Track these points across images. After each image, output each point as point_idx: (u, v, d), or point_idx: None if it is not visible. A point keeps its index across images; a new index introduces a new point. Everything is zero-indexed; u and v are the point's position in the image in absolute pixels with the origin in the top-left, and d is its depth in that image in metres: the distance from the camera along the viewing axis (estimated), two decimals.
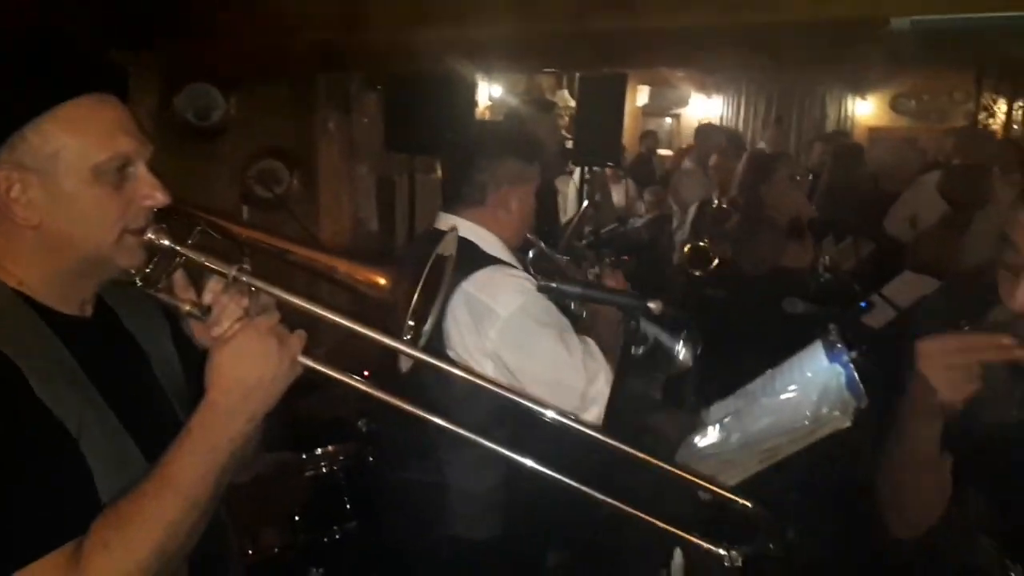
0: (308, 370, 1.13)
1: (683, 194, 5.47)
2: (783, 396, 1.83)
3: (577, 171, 5.28)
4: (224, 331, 1.07)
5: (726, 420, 1.91)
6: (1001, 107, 8.93)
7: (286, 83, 3.74)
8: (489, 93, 10.35)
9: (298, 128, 4.00)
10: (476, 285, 1.67)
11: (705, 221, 4.55)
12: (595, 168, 5.03)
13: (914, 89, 10.60)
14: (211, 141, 3.67)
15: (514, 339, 1.67)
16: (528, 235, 2.03)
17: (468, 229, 1.82)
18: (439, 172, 4.82)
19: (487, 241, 1.84)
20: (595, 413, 1.68)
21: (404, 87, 4.07)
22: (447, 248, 1.37)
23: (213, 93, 3.54)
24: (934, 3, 1.70)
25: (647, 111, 11.59)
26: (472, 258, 1.73)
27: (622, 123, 5.48)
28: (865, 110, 10.85)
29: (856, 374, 1.71)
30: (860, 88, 10.63)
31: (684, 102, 11.48)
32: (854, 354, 1.97)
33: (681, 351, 1.99)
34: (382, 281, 1.28)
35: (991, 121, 8.98)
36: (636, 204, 6.53)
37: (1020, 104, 8.76)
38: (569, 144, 5.35)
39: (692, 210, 4.87)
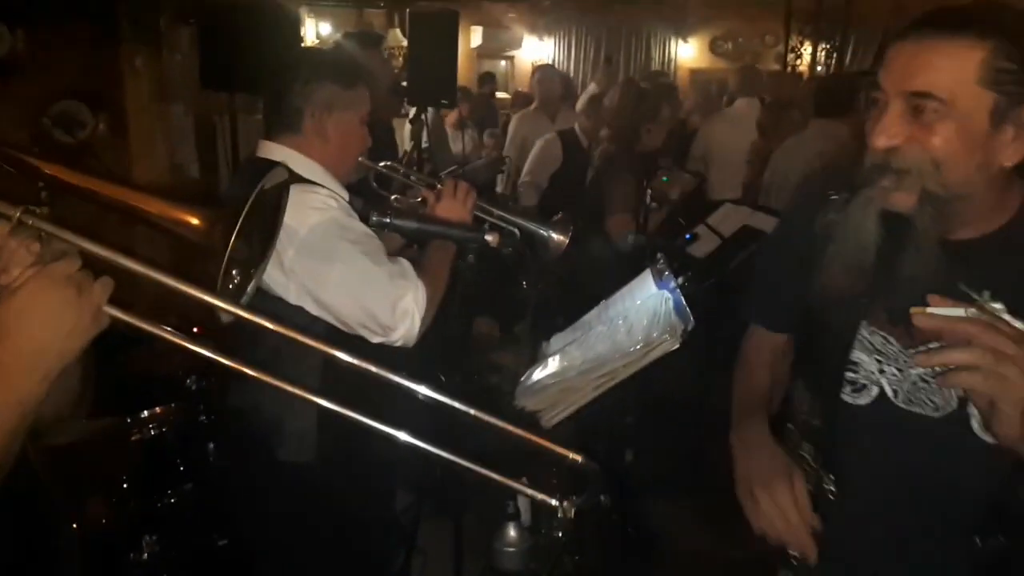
0: (119, 322, 1.03)
1: (521, 135, 5.52)
2: (617, 323, 1.89)
3: (413, 111, 5.16)
4: (11, 281, 0.95)
5: (564, 349, 1.96)
6: (807, 49, 9.62)
7: (85, 16, 3.36)
8: (317, 31, 9.90)
9: (102, 66, 3.63)
10: None
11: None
12: (430, 109, 4.95)
13: (730, 32, 11.18)
14: None
15: (312, 255, 1.62)
16: (366, 162, 1.96)
17: (286, 155, 1.75)
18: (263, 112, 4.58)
19: (306, 167, 1.77)
20: (402, 331, 1.66)
21: (220, 20, 3.78)
22: (271, 182, 1.28)
23: None
24: None
25: (481, 52, 11.51)
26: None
27: (456, 62, 5.40)
28: (687, 52, 11.33)
29: (682, 299, 1.80)
30: (682, 31, 11.08)
31: (517, 44, 11.50)
32: (680, 280, 2.07)
33: (552, 235, 2.04)
34: (195, 221, 1.18)
35: (799, 62, 9.66)
36: (477, 150, 6.51)
37: (823, 46, 9.47)
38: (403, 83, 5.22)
39: (537, 149, 4.92)
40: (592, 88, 7.00)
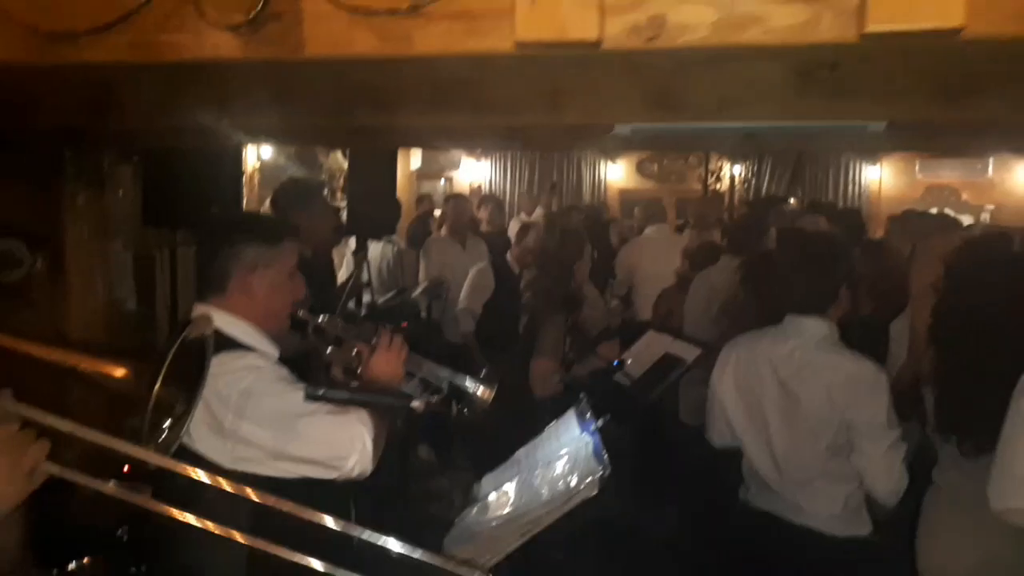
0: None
1: (434, 261, 5.76)
2: (541, 467, 1.99)
3: (354, 242, 5.31)
4: None
5: (491, 496, 2.04)
6: (726, 171, 10.27)
7: (25, 156, 3.44)
8: (258, 154, 10.12)
9: (42, 204, 3.69)
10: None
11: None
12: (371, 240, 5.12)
13: (656, 155, 11.84)
14: None
15: (250, 416, 1.69)
16: (305, 315, 2.04)
17: (216, 317, 1.83)
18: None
19: (234, 326, 1.86)
20: (355, 458, 1.72)
21: (161, 159, 3.92)
22: (195, 332, 1.37)
23: None
24: (649, 113, 1.99)
25: (421, 174, 11.92)
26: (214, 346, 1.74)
27: (395, 193, 5.63)
28: (616, 173, 11.92)
29: (600, 442, 1.92)
30: (610, 153, 11.68)
31: (455, 165, 11.95)
32: (601, 422, 2.20)
33: (478, 390, 2.09)
34: (120, 373, 1.26)
35: (718, 184, 10.28)
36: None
37: (741, 169, 10.13)
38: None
39: (470, 277, 5.10)
40: (523, 217, 7.32)
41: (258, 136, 4.08)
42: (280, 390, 1.68)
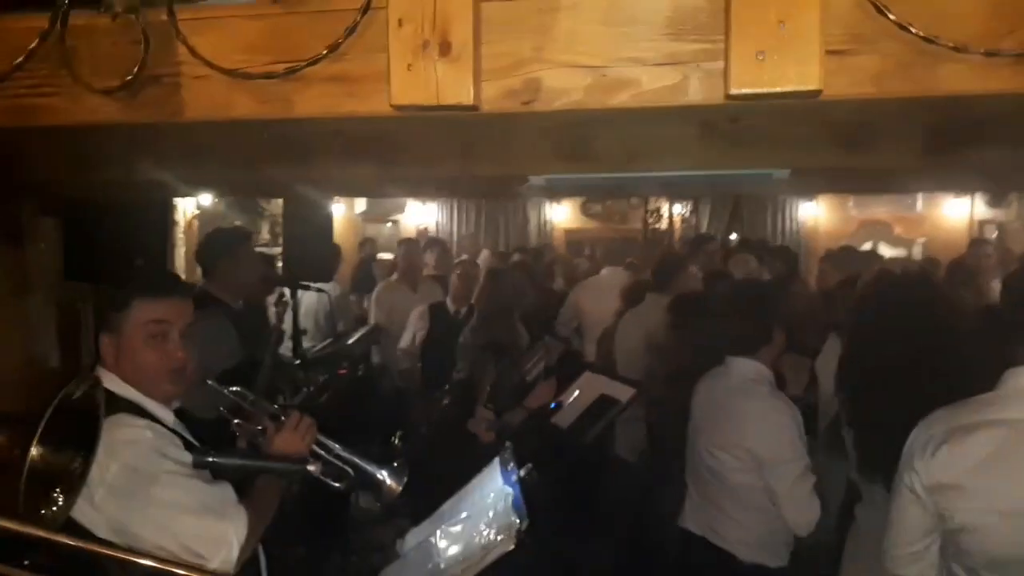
0: None
1: (386, 305, 5.72)
2: (461, 522, 1.96)
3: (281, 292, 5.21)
4: None
5: (411, 554, 2.00)
6: (666, 210, 10.46)
7: None
8: (197, 202, 9.98)
9: None
10: None
11: None
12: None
13: (598, 196, 12.01)
14: None
15: (122, 493, 1.63)
16: (213, 385, 1.98)
17: (108, 380, 1.78)
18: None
19: (124, 389, 1.81)
20: (217, 563, 1.66)
21: (84, 212, 3.83)
22: (76, 391, 1.32)
23: None
24: (561, 164, 2.02)
25: (366, 217, 11.88)
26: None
27: (331, 239, 5.59)
28: (561, 214, 12.05)
29: (520, 493, 1.90)
30: (555, 195, 11.82)
31: (401, 209, 11.94)
32: (523, 472, 2.18)
33: (386, 481, 2.06)
34: None
35: (660, 223, 10.46)
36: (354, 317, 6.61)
37: (680, 209, 10.33)
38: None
39: (410, 320, 5.07)
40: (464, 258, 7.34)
41: (178, 188, 4.02)
42: (156, 471, 1.61)
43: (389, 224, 12.11)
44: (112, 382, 1.78)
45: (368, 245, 9.45)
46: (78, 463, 1.31)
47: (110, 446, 1.62)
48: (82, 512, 1.61)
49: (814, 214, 10.62)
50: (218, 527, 1.66)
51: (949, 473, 1.68)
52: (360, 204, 11.72)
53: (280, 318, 4.14)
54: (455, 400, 3.44)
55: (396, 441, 3.48)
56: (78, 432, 1.47)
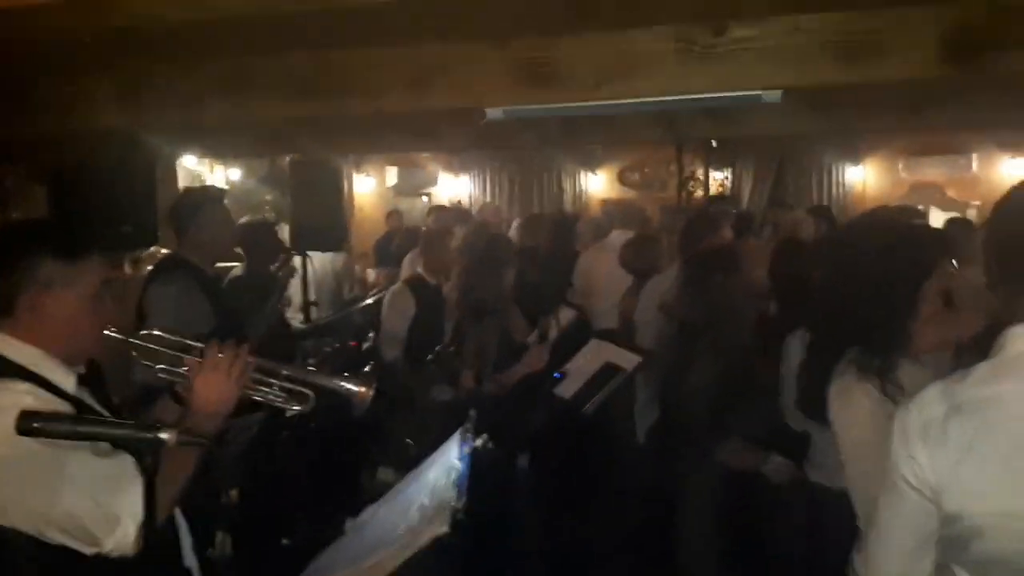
0: None
1: None
2: (399, 500, 1.75)
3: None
4: None
5: (348, 533, 1.80)
6: (704, 178, 10.06)
7: None
8: (227, 176, 9.95)
9: None
10: None
11: None
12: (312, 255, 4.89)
13: (637, 163, 11.63)
14: None
15: None
16: (113, 334, 1.77)
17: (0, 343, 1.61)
18: (127, 268, 4.44)
19: (21, 352, 1.61)
20: (112, 543, 1.48)
21: (70, 178, 3.71)
22: None
23: None
24: (521, 93, 1.78)
25: (398, 191, 11.71)
26: None
27: (341, 210, 5.41)
28: (598, 184, 11.70)
29: (468, 468, 1.67)
30: (590, 164, 11.48)
31: (433, 182, 11.74)
32: (480, 442, 1.95)
33: (353, 389, 1.82)
34: None
35: (697, 191, 10.06)
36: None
37: (717, 175, 9.92)
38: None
39: (386, 302, 4.81)
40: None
41: (164, 148, 3.88)
42: (32, 443, 1.41)
43: (423, 198, 11.91)
44: (2, 344, 1.60)
45: (393, 217, 9.26)
46: None
47: None
48: None
49: (861, 178, 10.08)
50: (111, 504, 1.47)
51: (957, 459, 1.32)
52: (391, 177, 11.56)
53: (282, 285, 3.98)
54: (442, 369, 3.21)
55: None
56: None
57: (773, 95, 1.64)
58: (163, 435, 1.23)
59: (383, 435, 3.87)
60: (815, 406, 2.00)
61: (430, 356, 3.12)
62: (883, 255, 1.93)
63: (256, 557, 3.74)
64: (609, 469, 3.69)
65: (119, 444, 1.40)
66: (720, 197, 6.70)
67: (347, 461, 4.36)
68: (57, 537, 1.46)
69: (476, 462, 1.76)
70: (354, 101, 1.85)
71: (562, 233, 5.31)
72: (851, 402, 1.87)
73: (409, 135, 5.09)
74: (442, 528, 1.47)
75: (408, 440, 3.46)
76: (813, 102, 3.13)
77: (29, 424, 1.21)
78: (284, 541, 3.96)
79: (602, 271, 4.94)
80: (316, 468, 4.20)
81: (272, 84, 1.83)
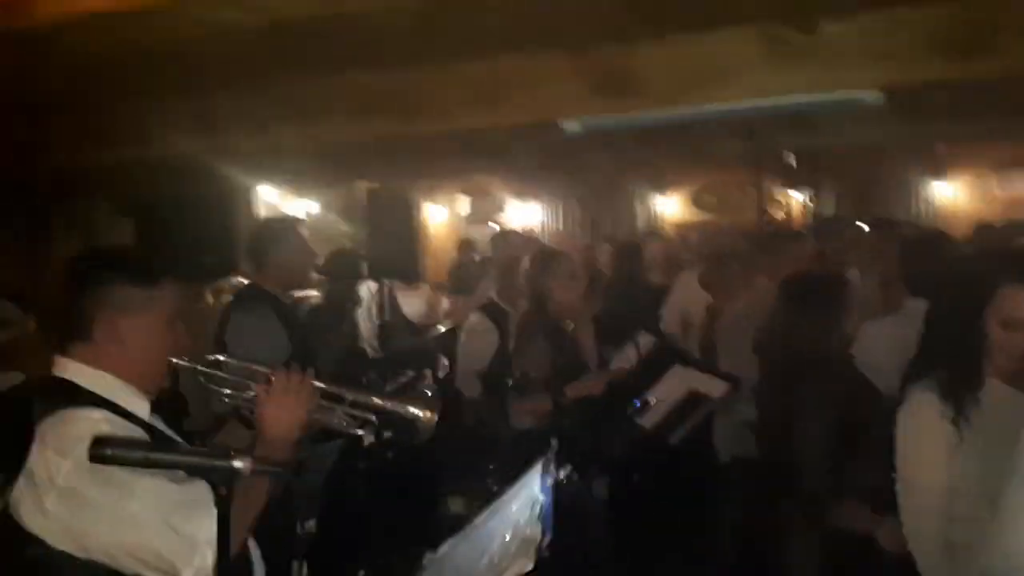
0: None
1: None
2: (489, 536, 1.66)
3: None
4: None
5: (427, 569, 1.71)
6: (785, 199, 9.75)
7: (12, 217, 3.37)
8: (307, 210, 10.18)
9: (32, 264, 3.60)
10: (38, 437, 1.42)
11: None
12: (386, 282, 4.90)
13: (712, 184, 11.38)
14: None
15: (74, 496, 1.42)
16: (181, 363, 1.75)
17: (74, 369, 1.60)
18: (208, 298, 4.53)
19: (96, 380, 1.60)
20: (191, 572, 1.44)
21: (157, 212, 3.82)
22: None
23: None
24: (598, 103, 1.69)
25: (470, 220, 11.77)
26: (56, 404, 1.50)
27: (415, 241, 5.44)
28: (671, 207, 11.51)
29: (551, 501, 1.57)
30: (661, 186, 11.30)
31: (503, 209, 11.76)
32: (564, 474, 1.85)
33: (417, 414, 1.84)
34: None
35: (779, 212, 9.75)
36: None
37: (797, 195, 9.59)
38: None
39: (464, 336, 4.72)
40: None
41: (243, 179, 3.95)
42: (111, 471, 1.38)
43: (492, 225, 11.93)
44: (77, 372, 1.59)
45: (467, 245, 9.27)
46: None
47: (60, 443, 1.43)
48: (33, 520, 1.43)
49: (952, 194, 9.62)
50: (189, 534, 1.44)
51: None
52: (463, 206, 11.64)
53: (349, 312, 3.98)
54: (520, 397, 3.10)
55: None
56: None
57: (874, 96, 1.51)
58: (238, 463, 1.18)
59: (457, 464, 3.79)
60: None
61: (509, 382, 3.02)
62: (943, 284, 1.99)
63: None
64: (694, 500, 3.51)
65: (193, 472, 1.36)
66: (826, 220, 6.40)
67: (423, 491, 4.30)
68: (135, 568, 1.43)
69: (559, 495, 1.66)
70: (425, 120, 1.81)
71: (635, 260, 5.15)
72: (921, 419, 1.94)
73: (482, 157, 5.08)
74: (527, 565, 1.38)
75: (490, 466, 3.37)
76: (902, 109, 2.93)
77: (102, 451, 1.19)
78: (361, 573, 3.91)
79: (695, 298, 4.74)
80: (392, 498, 4.15)
81: (340, 105, 1.80)
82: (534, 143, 4.65)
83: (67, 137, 2.73)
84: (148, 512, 1.42)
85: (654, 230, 10.24)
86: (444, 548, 1.89)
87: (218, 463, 1.20)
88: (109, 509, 1.41)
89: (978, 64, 1.40)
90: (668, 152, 5.34)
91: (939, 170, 9.48)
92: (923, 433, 1.94)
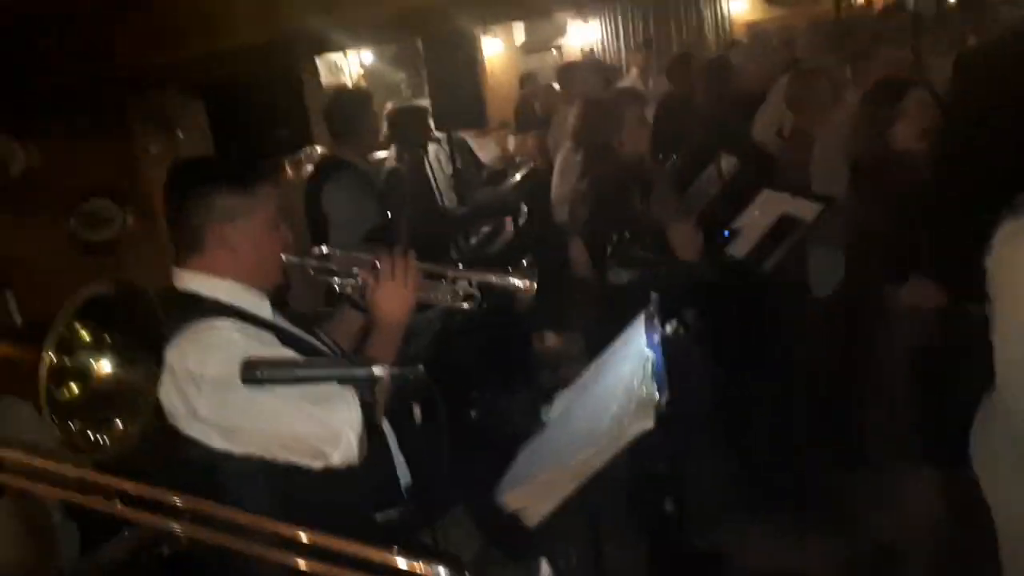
0: None
1: (561, 141, 5.29)
2: (600, 393, 1.72)
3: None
4: None
5: (550, 429, 1.81)
6: None
7: (90, 115, 3.42)
8: (360, 60, 9.96)
9: (118, 159, 3.70)
10: (175, 352, 1.51)
11: None
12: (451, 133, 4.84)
13: None
14: (19, 197, 3.36)
15: (222, 400, 1.53)
16: (291, 259, 1.81)
17: (193, 280, 1.68)
18: (288, 171, 4.58)
19: (217, 288, 1.68)
20: (339, 456, 1.56)
21: (226, 90, 3.81)
22: (92, 292, 1.21)
23: (6, 144, 3.23)
24: None
25: (527, 48, 11.28)
26: (184, 316, 1.58)
27: (480, 84, 5.27)
28: (741, 6, 10.74)
29: (663, 358, 1.61)
30: None
31: (562, 32, 11.20)
32: (672, 328, 1.87)
33: (517, 283, 1.89)
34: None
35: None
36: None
37: None
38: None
39: (557, 161, 4.67)
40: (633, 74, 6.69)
41: (304, 48, 3.86)
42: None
43: (552, 52, 11.43)
44: (198, 282, 1.67)
45: (529, 80, 8.96)
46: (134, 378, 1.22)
47: (200, 355, 1.53)
48: (190, 426, 1.56)
49: None
50: (330, 421, 1.55)
51: None
52: (518, 35, 11.13)
53: (415, 172, 3.99)
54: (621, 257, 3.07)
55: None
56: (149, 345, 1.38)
57: None
58: (377, 371, 1.25)
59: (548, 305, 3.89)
60: None
61: (610, 248, 3.00)
62: None
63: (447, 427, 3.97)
64: (786, 328, 3.51)
65: (338, 382, 1.45)
66: (897, 8, 5.84)
67: (518, 332, 4.44)
68: (288, 456, 1.56)
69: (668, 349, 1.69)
70: None
71: (716, 75, 4.85)
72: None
73: None
74: (647, 424, 1.45)
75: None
76: None
77: (252, 374, 1.27)
78: (472, 413, 4.16)
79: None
80: (490, 343, 4.31)
81: None
82: None
83: (137, 36, 2.71)
84: (294, 409, 1.53)
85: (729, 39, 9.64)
86: (559, 405, 1.99)
87: (358, 372, 1.27)
88: (257, 411, 1.53)
89: None
90: None
91: None
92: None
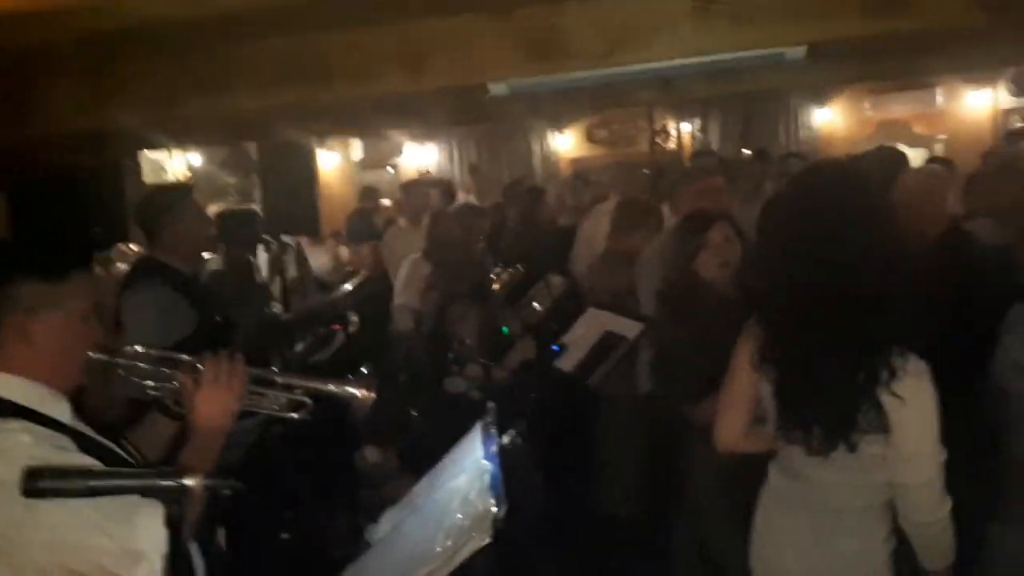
0: None
1: (397, 253, 5.32)
2: (429, 509, 1.66)
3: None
4: None
5: (377, 545, 1.71)
6: (672, 129, 9.94)
7: None
8: (188, 163, 9.62)
9: None
10: None
11: None
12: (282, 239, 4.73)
13: (605, 120, 11.46)
14: None
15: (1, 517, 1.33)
16: (97, 356, 1.63)
17: None
18: (96, 269, 4.25)
19: (11, 389, 1.49)
20: (144, 570, 1.37)
21: (31, 187, 3.52)
22: None
23: None
24: (526, 66, 1.66)
25: (365, 164, 11.44)
26: None
27: (315, 194, 5.26)
28: (566, 144, 11.54)
29: (499, 470, 1.58)
30: (558, 124, 11.30)
31: (399, 152, 11.48)
32: (508, 439, 1.85)
33: (355, 394, 1.82)
34: None
35: (669, 143, 9.96)
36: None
37: (689, 127, 9.80)
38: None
39: (403, 270, 4.69)
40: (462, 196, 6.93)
41: (129, 145, 3.69)
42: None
43: (388, 169, 11.65)
44: None
45: (369, 194, 9.01)
46: None
47: None
48: None
49: (829, 119, 10.06)
50: (130, 540, 1.36)
51: None
52: (356, 151, 11.28)
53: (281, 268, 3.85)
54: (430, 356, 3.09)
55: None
56: None
57: (797, 52, 1.54)
58: (188, 482, 1.12)
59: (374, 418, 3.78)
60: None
61: (450, 354, 3.00)
62: None
63: (255, 552, 3.65)
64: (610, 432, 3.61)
65: (141, 494, 1.28)
66: (706, 152, 6.54)
67: (340, 448, 4.26)
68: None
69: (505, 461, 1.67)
70: (345, 85, 1.72)
71: (535, 201, 5.15)
72: None
73: (381, 112, 4.92)
74: (484, 539, 1.39)
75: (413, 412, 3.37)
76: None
77: (35, 484, 1.09)
78: (283, 535, 3.87)
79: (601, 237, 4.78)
80: (310, 458, 4.10)
81: (253, 74, 1.69)
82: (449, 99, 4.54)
83: None
84: (81, 526, 1.34)
85: (555, 171, 10.30)
86: (386, 524, 1.89)
87: (167, 483, 1.13)
88: (39, 527, 1.32)
89: (896, 21, 1.45)
90: (587, 100, 5.28)
91: (814, 98, 9.86)
92: None
